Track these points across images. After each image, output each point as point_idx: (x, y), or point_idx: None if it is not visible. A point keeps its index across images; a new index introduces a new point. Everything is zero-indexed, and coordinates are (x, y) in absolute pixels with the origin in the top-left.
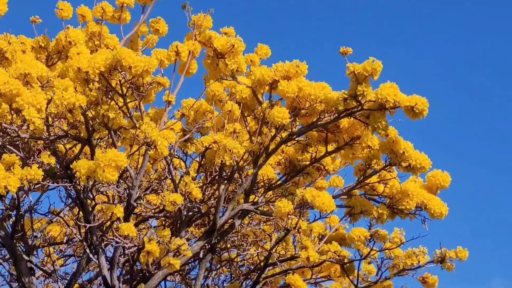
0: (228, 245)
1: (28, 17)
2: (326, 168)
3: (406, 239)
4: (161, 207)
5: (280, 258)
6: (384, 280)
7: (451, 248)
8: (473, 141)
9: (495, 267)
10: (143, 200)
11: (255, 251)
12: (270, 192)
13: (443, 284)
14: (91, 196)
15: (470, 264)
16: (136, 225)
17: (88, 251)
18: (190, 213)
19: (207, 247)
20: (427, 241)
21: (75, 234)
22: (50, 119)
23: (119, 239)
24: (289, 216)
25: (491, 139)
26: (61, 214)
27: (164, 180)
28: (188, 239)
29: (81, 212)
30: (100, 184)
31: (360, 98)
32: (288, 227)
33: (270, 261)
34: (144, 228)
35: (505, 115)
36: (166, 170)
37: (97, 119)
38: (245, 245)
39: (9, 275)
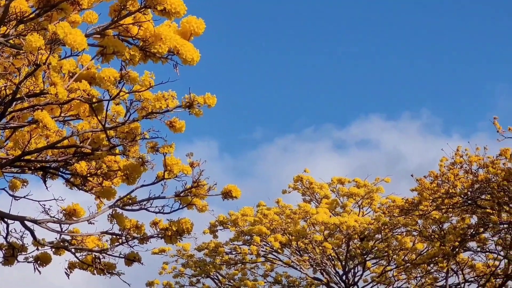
0: None
1: None
2: (80, 3)
3: (158, 82)
4: None
5: (29, 93)
6: (132, 122)
7: (200, 93)
8: None
9: (258, 115)
10: None
11: (3, 84)
12: (22, 25)
13: (190, 130)
14: None
15: (234, 113)
16: None
17: None
18: None
19: None
20: (177, 86)
21: None
22: None
23: None
24: (40, 51)
25: None
26: None
27: None
28: None
29: None
30: None
31: None
32: (38, 62)
33: (18, 95)
34: None
35: None
36: None
37: None
38: None
39: None
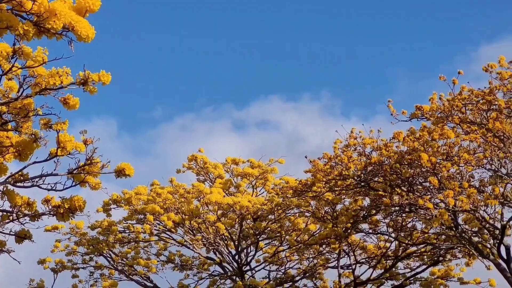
0: None
1: None
2: None
3: (52, 58)
4: None
5: None
6: (25, 98)
7: (96, 71)
8: None
9: (158, 94)
10: None
11: None
12: None
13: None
14: None
15: (134, 92)
16: None
17: None
18: None
19: None
20: (72, 63)
21: None
22: None
23: None
24: None
25: None
26: None
27: None
28: None
29: None
30: None
31: None
32: None
33: None
34: None
35: None
36: None
37: None
38: None
39: None
